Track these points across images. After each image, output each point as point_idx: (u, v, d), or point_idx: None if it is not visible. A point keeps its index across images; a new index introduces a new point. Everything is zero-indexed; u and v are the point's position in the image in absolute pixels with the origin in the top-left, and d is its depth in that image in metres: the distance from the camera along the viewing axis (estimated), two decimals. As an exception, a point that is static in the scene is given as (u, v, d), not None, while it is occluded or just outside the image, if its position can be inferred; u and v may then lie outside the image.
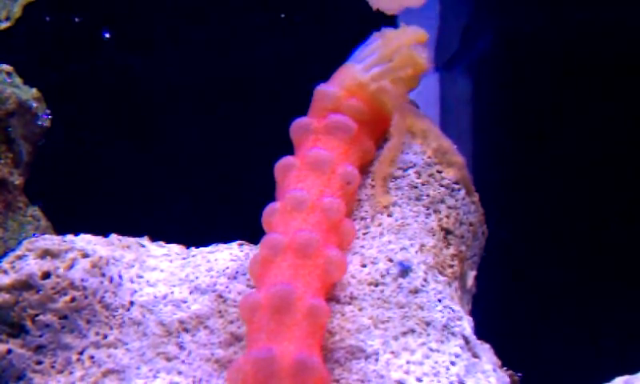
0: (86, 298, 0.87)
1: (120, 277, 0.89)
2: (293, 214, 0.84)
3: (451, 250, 0.91)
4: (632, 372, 0.91)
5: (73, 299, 0.86)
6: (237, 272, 0.89)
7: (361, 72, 0.94)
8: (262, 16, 1.66)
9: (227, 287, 0.88)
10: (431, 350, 0.82)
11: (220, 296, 0.87)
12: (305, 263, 0.81)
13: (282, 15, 1.65)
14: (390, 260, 0.86)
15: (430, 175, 0.92)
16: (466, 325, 0.85)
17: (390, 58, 0.94)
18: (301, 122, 0.92)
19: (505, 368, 0.91)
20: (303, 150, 0.90)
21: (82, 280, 0.87)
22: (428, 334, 0.83)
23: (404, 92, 0.95)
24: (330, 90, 0.93)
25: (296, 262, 0.81)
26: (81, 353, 0.86)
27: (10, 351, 0.85)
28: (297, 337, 0.76)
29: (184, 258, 0.92)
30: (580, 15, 1.57)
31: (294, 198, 0.85)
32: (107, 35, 1.60)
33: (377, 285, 0.85)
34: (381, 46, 0.95)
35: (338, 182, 0.88)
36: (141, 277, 0.90)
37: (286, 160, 0.90)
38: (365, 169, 0.93)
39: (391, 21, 1.48)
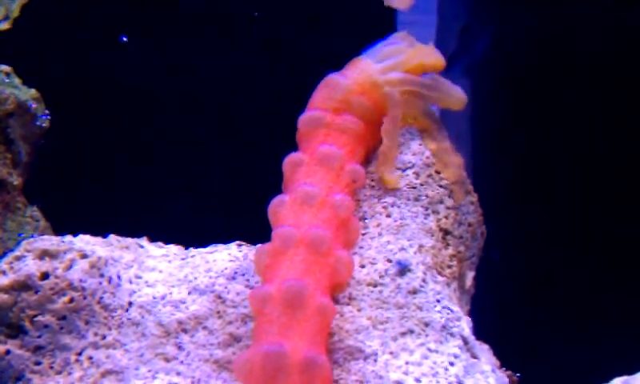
0: (84, 298, 0.87)
1: (119, 277, 0.89)
2: (303, 208, 0.84)
3: (450, 251, 0.91)
4: (631, 372, 0.91)
5: (71, 300, 0.86)
6: (235, 272, 0.89)
7: (378, 73, 0.91)
8: (262, 16, 1.66)
9: (226, 288, 0.88)
10: (430, 350, 0.82)
11: (219, 297, 0.87)
12: (317, 260, 0.80)
13: (282, 15, 1.65)
14: (389, 260, 0.86)
15: (429, 176, 0.92)
16: (465, 325, 0.85)
17: (409, 70, 0.92)
18: (312, 116, 0.89)
19: (504, 368, 0.91)
20: (313, 145, 0.88)
21: (81, 281, 0.87)
22: (427, 335, 0.83)
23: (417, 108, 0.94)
24: (342, 81, 0.90)
25: (308, 258, 0.80)
26: (79, 353, 0.86)
27: (8, 352, 0.85)
28: (307, 333, 0.76)
29: (183, 259, 0.92)
30: (578, 16, 1.57)
31: (305, 192, 0.84)
32: (125, 39, 1.60)
33: (375, 285, 0.85)
34: (402, 52, 0.92)
35: (345, 179, 0.87)
36: (139, 277, 0.90)
37: (296, 155, 0.88)
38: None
39: (389, 23, 1.48)
